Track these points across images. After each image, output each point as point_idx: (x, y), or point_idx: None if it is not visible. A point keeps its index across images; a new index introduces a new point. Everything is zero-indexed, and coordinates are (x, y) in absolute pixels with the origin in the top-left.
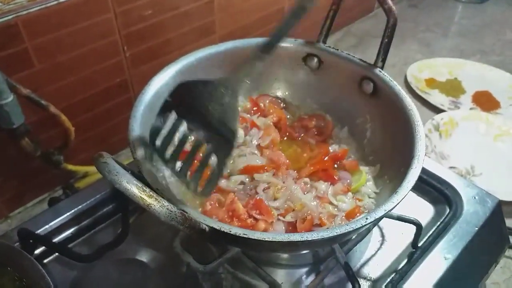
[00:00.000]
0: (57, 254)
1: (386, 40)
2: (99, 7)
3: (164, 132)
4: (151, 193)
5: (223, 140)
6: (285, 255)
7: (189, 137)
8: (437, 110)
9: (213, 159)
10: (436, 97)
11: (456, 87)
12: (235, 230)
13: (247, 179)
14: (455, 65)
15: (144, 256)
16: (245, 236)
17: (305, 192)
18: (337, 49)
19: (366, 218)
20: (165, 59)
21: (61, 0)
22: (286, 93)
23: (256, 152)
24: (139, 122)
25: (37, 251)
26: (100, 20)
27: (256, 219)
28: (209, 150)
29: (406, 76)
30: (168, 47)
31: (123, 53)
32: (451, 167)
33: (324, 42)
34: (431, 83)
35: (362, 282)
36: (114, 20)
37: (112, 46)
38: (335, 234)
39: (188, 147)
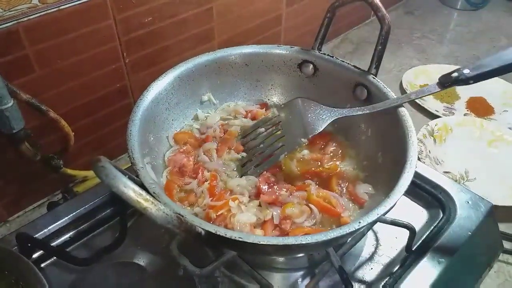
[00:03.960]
0: (55, 257)
1: (380, 47)
2: (99, 14)
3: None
4: (147, 197)
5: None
6: (280, 259)
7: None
8: (432, 116)
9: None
10: (431, 103)
11: (451, 93)
12: (230, 233)
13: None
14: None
15: (141, 260)
16: (240, 239)
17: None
18: (332, 56)
19: (360, 222)
20: (164, 65)
21: (62, 7)
22: (282, 99)
23: None
24: (138, 127)
25: (35, 255)
26: (100, 26)
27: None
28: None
29: (401, 82)
30: (167, 54)
31: (122, 59)
32: (445, 172)
33: (319, 49)
34: None
35: (356, 285)
36: (114, 27)
37: (112, 52)
38: (329, 237)
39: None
